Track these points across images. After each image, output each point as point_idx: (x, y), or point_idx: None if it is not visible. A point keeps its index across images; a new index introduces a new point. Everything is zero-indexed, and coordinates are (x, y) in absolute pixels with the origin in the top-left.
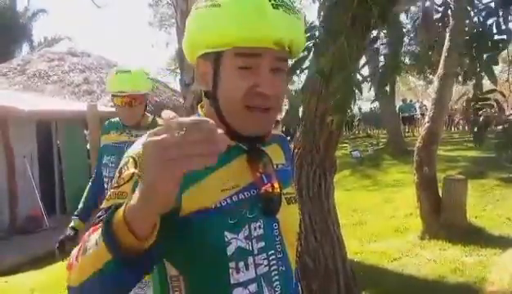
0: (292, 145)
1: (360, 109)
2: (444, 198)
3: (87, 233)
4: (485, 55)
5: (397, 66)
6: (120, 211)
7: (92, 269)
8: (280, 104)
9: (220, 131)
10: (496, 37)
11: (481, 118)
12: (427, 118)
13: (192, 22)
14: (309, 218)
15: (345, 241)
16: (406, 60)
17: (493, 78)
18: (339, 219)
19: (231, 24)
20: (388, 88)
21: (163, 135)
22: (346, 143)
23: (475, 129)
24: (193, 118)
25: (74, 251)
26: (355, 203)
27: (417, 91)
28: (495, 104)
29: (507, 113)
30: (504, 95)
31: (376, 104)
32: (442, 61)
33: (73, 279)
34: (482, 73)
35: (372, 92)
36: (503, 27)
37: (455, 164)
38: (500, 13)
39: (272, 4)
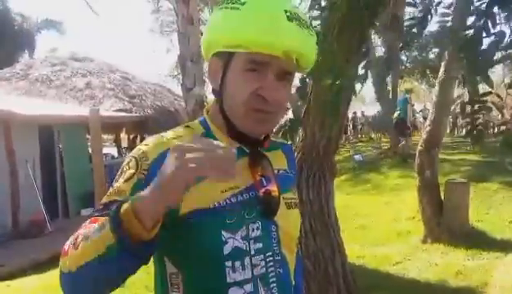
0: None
1: (363, 112)
2: (446, 201)
3: (84, 224)
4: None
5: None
6: (129, 201)
7: (94, 253)
8: (281, 110)
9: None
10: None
11: (478, 121)
12: (428, 122)
13: (212, 21)
14: (309, 222)
15: (346, 245)
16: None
17: (489, 82)
18: (340, 223)
19: (246, 27)
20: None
21: (191, 144)
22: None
23: (474, 132)
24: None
25: (70, 239)
26: (357, 207)
27: (420, 95)
28: (493, 107)
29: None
30: (501, 98)
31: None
32: (442, 65)
33: (69, 264)
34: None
35: (374, 96)
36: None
37: (458, 168)
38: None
39: (288, 16)
